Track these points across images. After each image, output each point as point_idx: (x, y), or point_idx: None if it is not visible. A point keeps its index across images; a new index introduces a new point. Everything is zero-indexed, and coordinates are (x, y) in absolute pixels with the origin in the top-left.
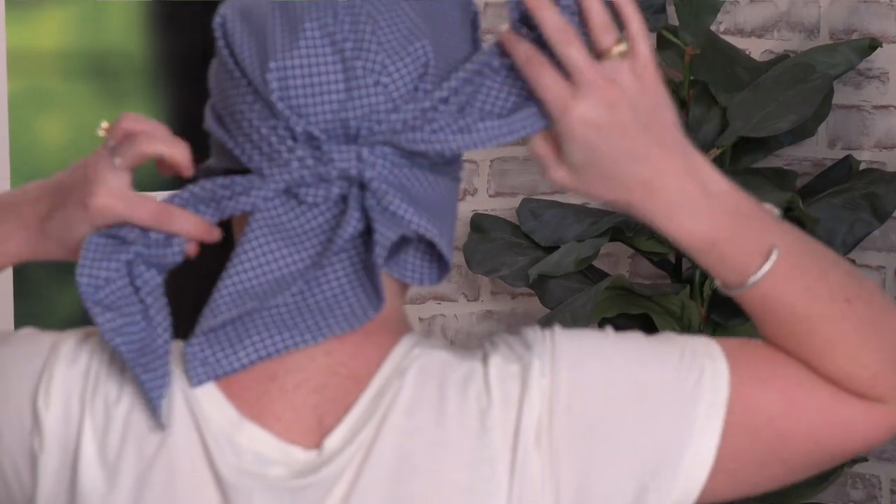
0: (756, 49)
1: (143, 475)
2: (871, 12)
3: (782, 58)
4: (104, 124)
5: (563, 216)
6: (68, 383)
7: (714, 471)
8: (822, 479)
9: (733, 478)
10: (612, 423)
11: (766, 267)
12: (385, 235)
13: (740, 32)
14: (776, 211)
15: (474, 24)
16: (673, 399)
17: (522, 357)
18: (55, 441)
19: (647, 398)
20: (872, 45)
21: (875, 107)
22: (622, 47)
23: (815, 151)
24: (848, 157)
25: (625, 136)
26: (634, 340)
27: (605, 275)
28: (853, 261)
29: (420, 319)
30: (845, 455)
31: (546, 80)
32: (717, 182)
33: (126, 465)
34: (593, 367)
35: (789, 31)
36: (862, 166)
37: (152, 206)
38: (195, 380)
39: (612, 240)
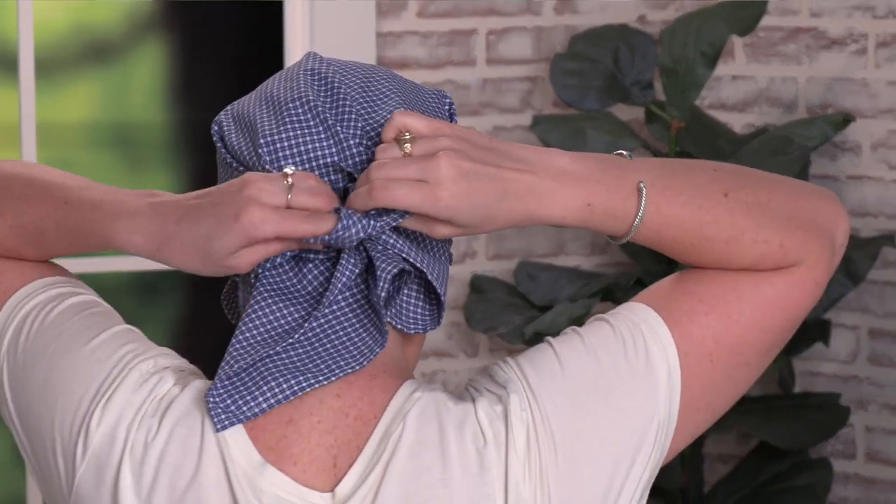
0: (737, 123)
1: None
2: (846, 89)
3: (762, 131)
4: (291, 169)
5: (556, 278)
6: (123, 408)
7: (689, 414)
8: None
9: (709, 407)
10: (589, 431)
11: (643, 202)
12: (386, 269)
13: (723, 107)
14: (626, 153)
15: (450, 111)
16: (634, 385)
17: (502, 397)
18: (96, 458)
19: (612, 394)
20: (846, 119)
21: (849, 177)
22: (402, 139)
23: None
24: None
25: (479, 175)
26: (580, 342)
27: None
28: (828, 320)
29: (422, 375)
30: (795, 324)
31: (401, 192)
32: (562, 157)
33: (158, 496)
34: (559, 387)
35: (769, 107)
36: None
37: (306, 218)
38: (219, 426)
39: (602, 299)
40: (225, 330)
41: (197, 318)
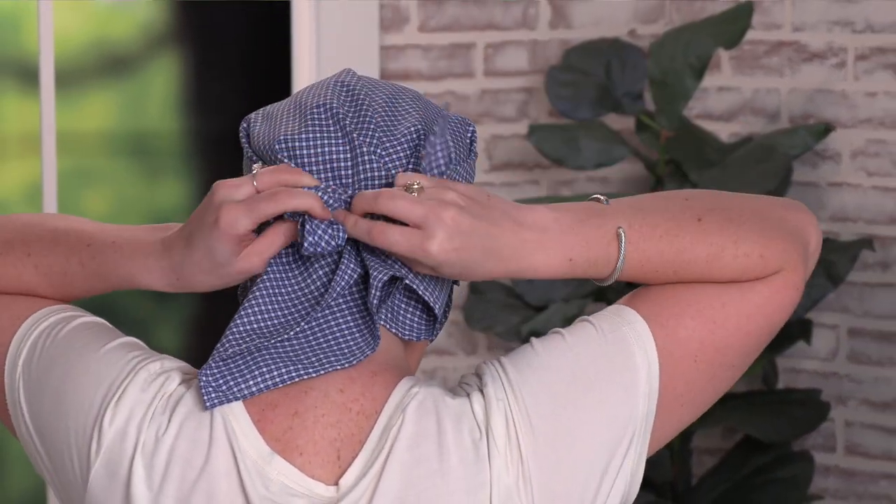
0: (724, 132)
1: (185, 497)
2: (826, 100)
3: (747, 140)
4: (257, 167)
5: (552, 280)
6: (134, 406)
7: (673, 409)
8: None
9: (692, 403)
10: (569, 421)
11: (622, 247)
12: (378, 278)
13: (709, 117)
14: (602, 198)
15: (471, 139)
16: (613, 382)
17: (481, 389)
18: (109, 454)
19: (591, 389)
20: (827, 129)
21: (829, 184)
22: (412, 187)
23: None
24: None
25: (474, 234)
26: (561, 341)
27: None
28: (809, 319)
29: (423, 372)
30: (777, 328)
31: (394, 238)
32: (546, 216)
33: (169, 487)
34: (538, 379)
35: (753, 117)
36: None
37: (271, 194)
38: (208, 403)
39: (595, 300)
40: None
41: (209, 319)
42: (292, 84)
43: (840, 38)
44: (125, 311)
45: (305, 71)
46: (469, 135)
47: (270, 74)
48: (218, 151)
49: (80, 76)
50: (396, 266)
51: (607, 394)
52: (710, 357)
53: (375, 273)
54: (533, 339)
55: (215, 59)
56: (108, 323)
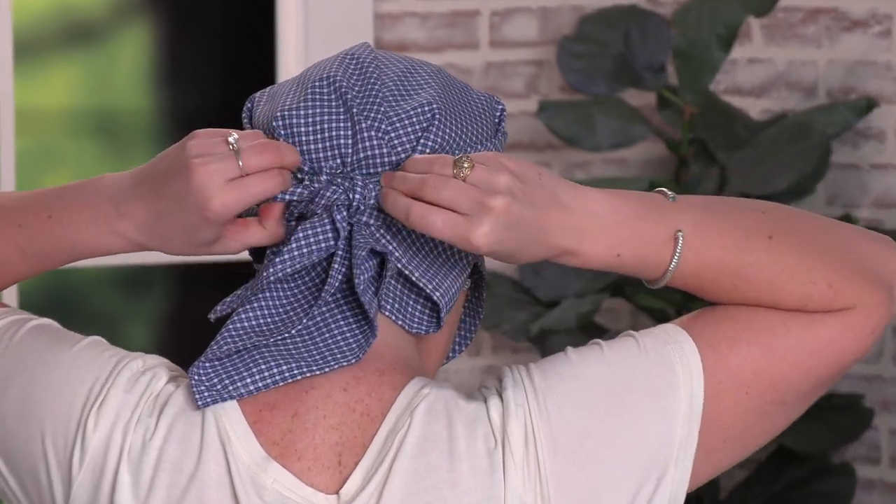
0: (754, 108)
1: None
2: (869, 73)
3: (780, 117)
4: (235, 135)
5: (564, 272)
6: (119, 409)
7: (718, 444)
8: None
9: (740, 440)
10: (600, 440)
11: (678, 251)
12: (358, 255)
13: (739, 92)
14: (670, 193)
15: (500, 119)
16: (649, 401)
17: (500, 393)
18: (93, 463)
19: (623, 406)
20: (870, 105)
21: (873, 165)
22: (462, 160)
23: (814, 209)
24: (847, 216)
25: (521, 223)
26: (598, 351)
27: (607, 330)
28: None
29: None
30: (842, 371)
31: (436, 226)
32: (600, 203)
33: (157, 496)
34: (566, 390)
35: (787, 91)
36: (861, 224)
37: (261, 177)
38: (200, 402)
39: (612, 295)
40: (209, 325)
41: (180, 315)
42: (276, 57)
43: (884, 4)
44: (89, 306)
45: (291, 42)
46: (498, 113)
47: (253, 45)
48: (193, 130)
49: (40, 46)
50: (382, 242)
51: (642, 414)
52: (763, 390)
53: (357, 251)
54: (569, 348)
55: (192, 27)
56: (57, 323)
